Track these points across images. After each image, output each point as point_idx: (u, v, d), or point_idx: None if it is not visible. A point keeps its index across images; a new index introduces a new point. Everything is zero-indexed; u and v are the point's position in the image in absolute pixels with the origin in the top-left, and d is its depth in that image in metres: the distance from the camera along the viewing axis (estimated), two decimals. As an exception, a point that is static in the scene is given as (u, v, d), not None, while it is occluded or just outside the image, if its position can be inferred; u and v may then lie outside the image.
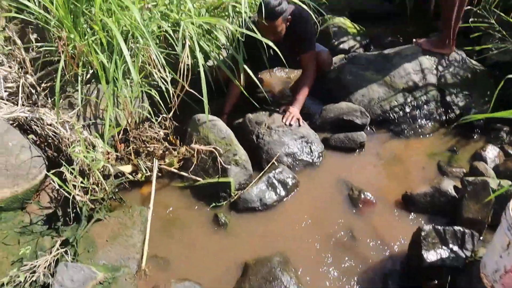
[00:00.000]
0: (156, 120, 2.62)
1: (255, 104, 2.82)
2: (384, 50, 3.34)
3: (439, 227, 2.12)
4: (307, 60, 2.97)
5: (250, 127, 2.77)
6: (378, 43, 3.93)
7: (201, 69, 2.44)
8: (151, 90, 2.61)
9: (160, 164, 2.53)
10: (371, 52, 3.47)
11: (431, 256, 2.04)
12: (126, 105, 2.54)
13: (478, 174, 2.63)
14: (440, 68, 3.19)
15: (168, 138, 2.65)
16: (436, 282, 2.05)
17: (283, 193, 2.50)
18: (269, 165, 2.62)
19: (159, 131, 2.62)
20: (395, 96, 3.10)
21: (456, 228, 2.14)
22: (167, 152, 2.56)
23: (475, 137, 3.02)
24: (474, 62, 3.32)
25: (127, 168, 2.50)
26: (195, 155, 2.50)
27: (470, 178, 2.47)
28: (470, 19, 3.40)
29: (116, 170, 2.45)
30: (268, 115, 2.81)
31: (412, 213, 2.47)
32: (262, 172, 2.58)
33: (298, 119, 2.82)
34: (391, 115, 3.06)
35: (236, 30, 2.65)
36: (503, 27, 3.31)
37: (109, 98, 2.37)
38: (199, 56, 2.50)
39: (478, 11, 3.43)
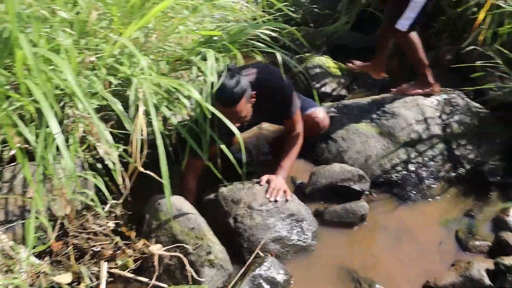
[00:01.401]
0: (103, 208, 2.01)
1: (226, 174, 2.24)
2: (378, 96, 2.88)
3: None
4: (291, 124, 2.44)
5: (225, 207, 2.19)
6: (362, 83, 3.47)
7: (159, 142, 1.88)
8: (96, 170, 2.02)
9: (110, 268, 1.92)
10: (363, 98, 2.96)
11: None
12: (62, 191, 1.93)
13: (507, 249, 2.15)
14: (444, 116, 2.74)
15: (120, 229, 2.05)
16: None
17: (273, 296, 1.93)
18: (251, 258, 2.04)
19: (107, 223, 2.01)
20: (396, 152, 2.61)
21: None
22: (119, 251, 1.96)
23: (491, 196, 2.56)
24: (476, 104, 2.90)
25: (65, 278, 1.87)
26: (156, 256, 1.89)
27: (506, 261, 1.99)
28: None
29: (49, 283, 1.82)
30: (247, 190, 2.24)
31: (438, 310, 1.95)
32: (244, 269, 2.00)
33: (285, 191, 2.27)
34: (394, 176, 2.55)
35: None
36: (508, 66, 2.91)
37: (38, 183, 1.77)
38: (155, 123, 1.93)
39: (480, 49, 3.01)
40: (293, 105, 2.37)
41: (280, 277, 1.97)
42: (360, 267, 2.11)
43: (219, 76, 2.06)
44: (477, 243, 2.25)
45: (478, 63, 2.89)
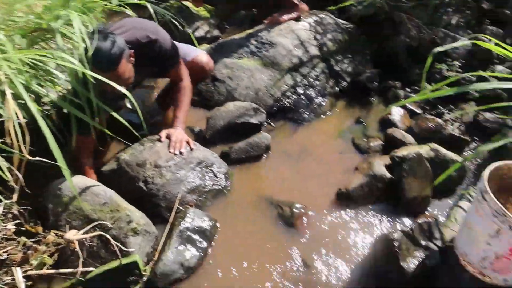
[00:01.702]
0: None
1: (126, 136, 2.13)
2: (251, 30, 2.88)
3: (407, 230, 1.80)
4: (175, 75, 2.34)
5: (131, 173, 2.09)
6: (233, 21, 3.45)
7: (42, 123, 1.69)
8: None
9: (25, 271, 1.75)
10: (238, 35, 2.95)
11: (411, 265, 1.72)
12: None
13: (397, 143, 2.39)
14: (318, 36, 2.85)
15: (24, 228, 1.86)
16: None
17: (204, 244, 1.92)
18: (172, 214, 2.01)
19: (5, 227, 1.80)
20: (282, 79, 2.68)
21: (421, 221, 1.85)
22: (29, 252, 1.78)
23: (373, 100, 2.79)
24: (343, 21, 3.07)
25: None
26: (75, 243, 1.76)
27: (399, 153, 2.21)
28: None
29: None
30: (149, 149, 2.15)
31: (354, 211, 2.12)
32: (168, 227, 1.96)
33: (188, 142, 2.22)
34: (286, 102, 2.64)
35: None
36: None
37: None
38: (31, 104, 1.73)
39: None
40: (174, 55, 2.28)
41: (206, 224, 1.97)
42: (276, 193, 2.20)
43: (90, 40, 1.88)
44: (371, 144, 2.46)
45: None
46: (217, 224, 2.03)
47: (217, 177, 2.20)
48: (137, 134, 2.06)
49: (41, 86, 1.94)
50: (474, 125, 2.54)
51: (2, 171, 1.70)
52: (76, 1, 2.06)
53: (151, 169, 2.08)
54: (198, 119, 2.58)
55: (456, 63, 2.89)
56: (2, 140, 1.77)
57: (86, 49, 1.85)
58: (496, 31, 3.12)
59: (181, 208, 2.04)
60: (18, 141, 1.70)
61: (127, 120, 1.97)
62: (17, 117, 1.70)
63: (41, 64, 1.90)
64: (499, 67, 2.87)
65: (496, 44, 1.72)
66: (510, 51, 1.71)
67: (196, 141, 2.34)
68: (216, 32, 3.27)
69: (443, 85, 1.79)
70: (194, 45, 2.55)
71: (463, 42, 1.88)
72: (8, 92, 1.73)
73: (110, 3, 2.24)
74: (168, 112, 2.56)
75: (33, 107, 1.72)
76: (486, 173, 1.61)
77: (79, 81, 1.88)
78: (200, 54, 2.49)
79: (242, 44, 2.82)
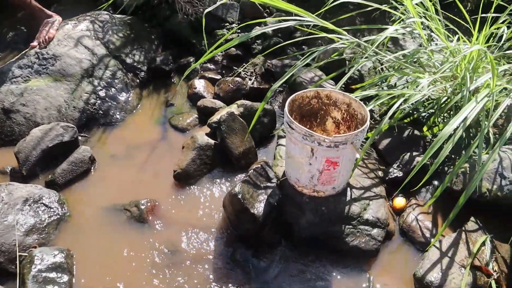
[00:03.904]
0: None
1: None
2: (28, 48, 2.68)
3: (246, 179, 1.97)
4: None
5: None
6: (4, 44, 3.11)
7: None
8: None
9: None
10: (16, 57, 2.71)
11: (260, 209, 1.89)
12: None
13: (210, 111, 2.55)
14: (100, 35, 2.80)
15: None
16: (270, 225, 1.97)
17: (65, 277, 1.79)
18: (18, 265, 1.83)
19: None
20: (80, 88, 2.58)
21: (255, 167, 2.05)
22: None
23: (174, 81, 2.89)
24: (119, 16, 3.06)
25: None
26: None
27: (214, 119, 2.37)
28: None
29: None
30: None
31: (195, 185, 2.23)
32: (19, 280, 1.79)
33: None
34: (92, 109, 2.57)
35: None
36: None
37: None
38: None
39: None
40: None
41: (59, 258, 1.84)
42: (119, 198, 2.16)
43: None
44: (187, 120, 2.58)
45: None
46: (72, 252, 1.93)
47: (51, 208, 2.06)
48: None
49: None
50: (267, 74, 2.85)
51: None
52: None
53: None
54: (6, 158, 2.34)
55: (234, 25, 3.16)
56: None
57: None
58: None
59: (25, 254, 1.88)
60: None
61: None
62: None
63: None
64: (269, 19, 3.23)
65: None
66: (272, 1, 1.97)
67: (14, 181, 2.14)
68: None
69: (220, 42, 1.97)
70: None
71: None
72: None
73: None
74: None
75: None
76: (286, 107, 1.86)
77: None
78: None
79: (22, 66, 2.61)
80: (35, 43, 2.70)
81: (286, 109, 1.85)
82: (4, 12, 3.42)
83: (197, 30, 3.10)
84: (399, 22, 2.31)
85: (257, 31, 2.00)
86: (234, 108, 2.40)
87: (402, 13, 2.34)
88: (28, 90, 2.52)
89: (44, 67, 2.61)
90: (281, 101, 2.68)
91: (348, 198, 2.00)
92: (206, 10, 1.98)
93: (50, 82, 2.57)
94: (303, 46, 3.08)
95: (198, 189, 2.21)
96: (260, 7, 3.23)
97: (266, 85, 2.75)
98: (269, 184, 2.00)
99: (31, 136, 2.30)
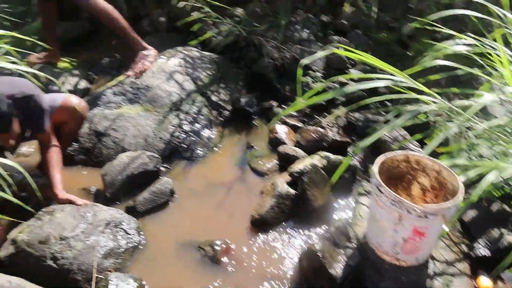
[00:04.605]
0: None
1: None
2: (122, 77, 2.84)
3: (328, 236, 1.93)
4: (46, 138, 2.25)
5: (35, 253, 1.89)
6: (99, 69, 3.33)
7: None
8: None
9: None
10: (109, 84, 2.87)
11: (338, 270, 1.83)
12: None
13: (290, 158, 2.56)
14: (190, 71, 2.92)
15: None
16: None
17: (136, 307, 1.84)
18: (93, 285, 1.87)
19: None
20: (167, 120, 2.67)
21: (337, 225, 2.01)
22: None
23: (256, 124, 2.93)
24: (208, 53, 3.18)
25: None
26: None
27: (296, 168, 2.37)
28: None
29: None
30: (49, 222, 1.98)
31: (271, 233, 2.21)
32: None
33: (75, 202, 2.14)
34: (176, 142, 2.64)
35: None
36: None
37: None
38: None
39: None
40: (46, 116, 2.19)
41: (132, 286, 1.88)
42: (193, 235, 2.18)
43: None
44: (267, 165, 2.59)
45: (194, 15, 3.11)
46: (144, 283, 1.95)
47: (129, 234, 2.11)
48: (30, 208, 1.90)
49: None
50: (349, 126, 2.83)
51: None
52: None
53: (57, 243, 1.92)
54: (91, 178, 2.45)
55: (318, 74, 3.18)
56: None
57: None
58: (341, 39, 3.51)
59: (100, 276, 1.92)
60: None
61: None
62: None
63: None
64: (353, 71, 3.24)
65: (347, 50, 1.95)
66: (360, 55, 1.97)
67: (96, 201, 2.23)
68: (84, 84, 3.12)
69: (311, 95, 1.97)
70: None
71: (323, 52, 2.08)
72: None
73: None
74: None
75: None
76: (375, 168, 1.82)
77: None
78: (68, 96, 2.42)
79: (117, 93, 2.76)
80: (130, 73, 2.85)
81: (375, 170, 1.81)
82: (101, 38, 3.66)
83: (281, 75, 3.15)
84: (490, 88, 2.24)
85: (351, 87, 1.97)
86: (317, 160, 2.38)
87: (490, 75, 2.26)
88: (120, 116, 2.65)
89: (136, 96, 2.74)
90: (362, 157, 2.64)
91: (431, 271, 1.90)
92: (304, 62, 1.99)
93: (141, 111, 2.68)
94: (385, 101, 3.05)
95: (273, 237, 2.18)
96: (344, 58, 3.24)
97: (347, 138, 2.73)
98: (348, 244, 1.94)
99: (118, 161, 2.39)
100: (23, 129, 2.17)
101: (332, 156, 2.41)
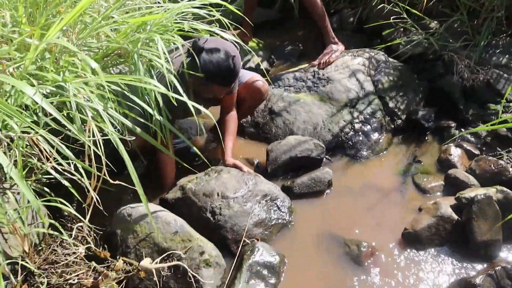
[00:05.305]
0: (69, 234, 1.77)
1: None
2: (306, 65, 2.91)
3: (491, 273, 1.74)
4: (230, 101, 2.42)
5: (198, 203, 2.06)
6: (280, 54, 3.49)
7: (121, 148, 1.68)
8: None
9: (95, 298, 1.70)
10: (293, 69, 2.99)
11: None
12: (14, 227, 1.65)
13: (459, 184, 2.35)
14: (372, 73, 2.87)
15: (92, 253, 1.82)
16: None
17: (273, 280, 1.87)
18: (240, 247, 1.96)
19: (77, 249, 1.77)
20: (340, 114, 2.68)
21: (504, 265, 1.79)
22: (100, 278, 1.74)
23: (427, 139, 2.76)
24: (393, 60, 3.09)
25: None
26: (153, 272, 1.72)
27: (466, 195, 2.16)
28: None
29: None
30: (215, 180, 2.13)
31: (421, 252, 2.06)
32: (236, 261, 1.92)
33: (241, 168, 2.25)
34: (344, 138, 2.63)
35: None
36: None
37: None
38: (110, 128, 1.72)
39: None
40: (237, 80, 2.34)
41: (275, 259, 1.92)
42: (340, 230, 2.15)
43: (198, 53, 2.03)
44: (433, 184, 2.42)
45: (392, 19, 3.04)
46: (285, 260, 1.98)
47: (281, 211, 2.16)
48: (204, 160, 2.08)
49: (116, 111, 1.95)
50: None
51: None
52: (158, 27, 2.08)
53: (218, 200, 2.05)
54: (256, 151, 2.57)
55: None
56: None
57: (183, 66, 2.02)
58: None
59: (247, 241, 2.00)
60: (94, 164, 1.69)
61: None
62: (97, 140, 1.70)
63: (119, 89, 1.90)
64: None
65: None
66: None
67: (255, 170, 2.34)
68: (265, 65, 3.30)
69: (498, 122, 1.76)
70: None
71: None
72: (90, 114, 1.73)
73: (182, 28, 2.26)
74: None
75: (112, 131, 1.72)
76: None
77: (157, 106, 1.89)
78: (255, 76, 2.53)
79: (298, 78, 2.85)
80: (316, 62, 2.91)
81: None
82: (287, 27, 3.81)
83: (468, 96, 2.91)
84: None
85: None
86: (492, 192, 2.14)
87: None
88: (295, 100, 2.73)
89: (316, 85, 2.79)
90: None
91: None
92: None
93: (316, 100, 2.73)
94: None
95: (424, 257, 2.03)
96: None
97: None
98: (515, 289, 1.72)
99: (286, 141, 2.47)
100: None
101: (511, 193, 2.15)
